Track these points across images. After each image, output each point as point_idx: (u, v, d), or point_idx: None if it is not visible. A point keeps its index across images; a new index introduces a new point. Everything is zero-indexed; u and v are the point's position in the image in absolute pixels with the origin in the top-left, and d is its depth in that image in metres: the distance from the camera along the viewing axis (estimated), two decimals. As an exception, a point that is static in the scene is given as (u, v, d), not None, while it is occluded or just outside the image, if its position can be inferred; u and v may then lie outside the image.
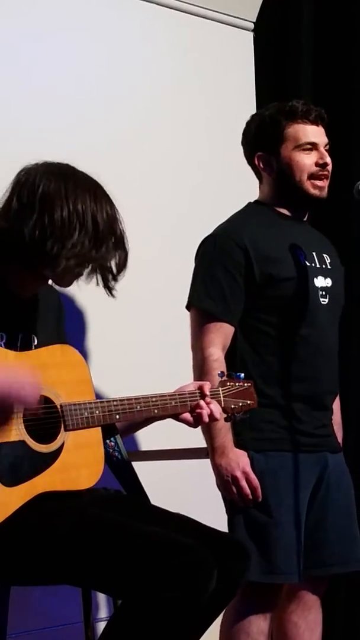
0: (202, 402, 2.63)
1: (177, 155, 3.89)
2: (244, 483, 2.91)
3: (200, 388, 2.65)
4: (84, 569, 2.36)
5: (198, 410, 2.63)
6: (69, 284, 2.51)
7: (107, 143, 3.67)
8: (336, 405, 3.18)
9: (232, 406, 2.71)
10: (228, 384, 2.73)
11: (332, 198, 3.15)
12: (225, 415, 2.72)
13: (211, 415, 2.63)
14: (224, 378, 2.73)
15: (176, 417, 2.65)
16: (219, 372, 2.76)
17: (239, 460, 2.92)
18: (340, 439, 3.19)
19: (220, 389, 2.71)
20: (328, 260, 3.14)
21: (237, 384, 2.74)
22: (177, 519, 2.54)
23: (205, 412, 2.62)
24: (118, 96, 3.76)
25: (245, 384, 2.76)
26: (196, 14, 4.02)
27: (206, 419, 2.63)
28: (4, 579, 2.45)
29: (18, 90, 3.49)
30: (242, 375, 2.77)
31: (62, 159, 2.53)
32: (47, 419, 2.41)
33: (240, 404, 2.73)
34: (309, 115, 3.08)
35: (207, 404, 2.63)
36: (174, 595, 2.28)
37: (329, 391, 3.09)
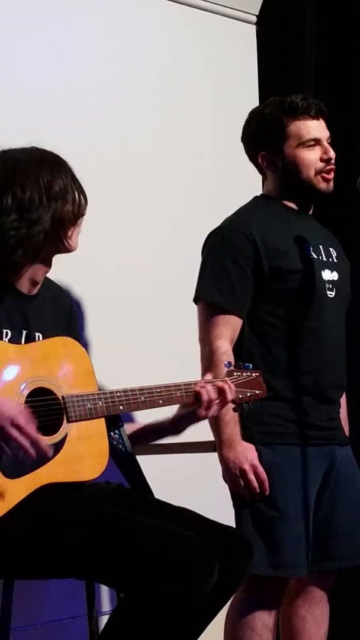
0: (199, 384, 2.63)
1: (179, 149, 3.88)
2: (251, 476, 2.91)
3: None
4: (86, 561, 2.36)
5: (197, 389, 2.61)
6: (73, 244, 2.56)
7: (108, 138, 3.67)
8: (342, 399, 3.18)
9: (240, 396, 2.69)
10: (235, 373, 2.70)
11: (334, 192, 3.14)
12: (233, 406, 2.72)
13: (221, 398, 2.63)
14: (231, 368, 2.72)
15: (185, 412, 2.66)
16: (226, 362, 2.74)
17: (247, 454, 2.92)
18: (346, 433, 3.18)
19: (227, 378, 2.69)
20: (334, 254, 3.14)
21: (244, 374, 2.72)
22: (180, 512, 2.55)
23: (203, 393, 2.61)
24: (119, 90, 3.76)
25: (254, 374, 2.74)
26: (199, 7, 4.01)
27: (210, 396, 2.62)
28: (7, 573, 2.46)
29: (18, 88, 3.48)
30: (250, 365, 2.75)
31: (63, 157, 2.55)
32: (50, 411, 2.41)
33: (249, 394, 2.71)
34: (310, 111, 3.07)
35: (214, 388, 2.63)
36: (176, 588, 2.28)
37: (335, 384, 3.08)
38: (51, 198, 2.48)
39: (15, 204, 2.46)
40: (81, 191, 2.55)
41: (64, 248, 2.55)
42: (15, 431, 2.26)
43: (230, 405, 2.70)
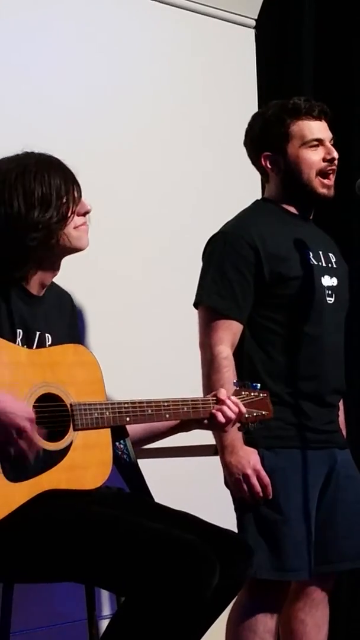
0: (217, 406, 2.64)
1: (178, 154, 3.88)
2: (254, 481, 2.91)
3: (215, 395, 2.67)
4: (87, 565, 2.36)
5: (213, 412, 2.64)
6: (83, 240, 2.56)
7: (107, 142, 3.66)
8: (340, 403, 3.18)
9: (247, 415, 2.71)
10: (243, 393, 2.73)
11: (333, 195, 3.14)
12: (239, 425, 2.73)
13: (227, 418, 2.64)
14: (238, 387, 2.73)
15: (191, 424, 2.67)
16: (234, 382, 2.76)
17: (250, 458, 2.92)
18: (344, 437, 3.18)
19: (237, 399, 2.70)
20: (333, 260, 3.15)
21: (252, 394, 2.74)
22: (180, 516, 2.55)
23: (220, 415, 2.63)
24: (118, 94, 3.75)
25: (261, 394, 2.77)
26: (197, 11, 4.01)
27: (221, 419, 2.64)
28: (7, 576, 2.46)
29: (18, 89, 3.48)
30: (258, 385, 2.77)
31: (62, 159, 2.55)
32: (57, 418, 2.41)
33: (255, 414, 2.73)
34: (313, 112, 3.08)
35: (224, 407, 2.64)
36: (177, 591, 2.28)
37: (334, 390, 3.09)
38: (35, 205, 2.46)
39: (5, 219, 2.45)
40: (71, 189, 2.52)
41: (68, 248, 2.54)
42: (22, 430, 2.26)
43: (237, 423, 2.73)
